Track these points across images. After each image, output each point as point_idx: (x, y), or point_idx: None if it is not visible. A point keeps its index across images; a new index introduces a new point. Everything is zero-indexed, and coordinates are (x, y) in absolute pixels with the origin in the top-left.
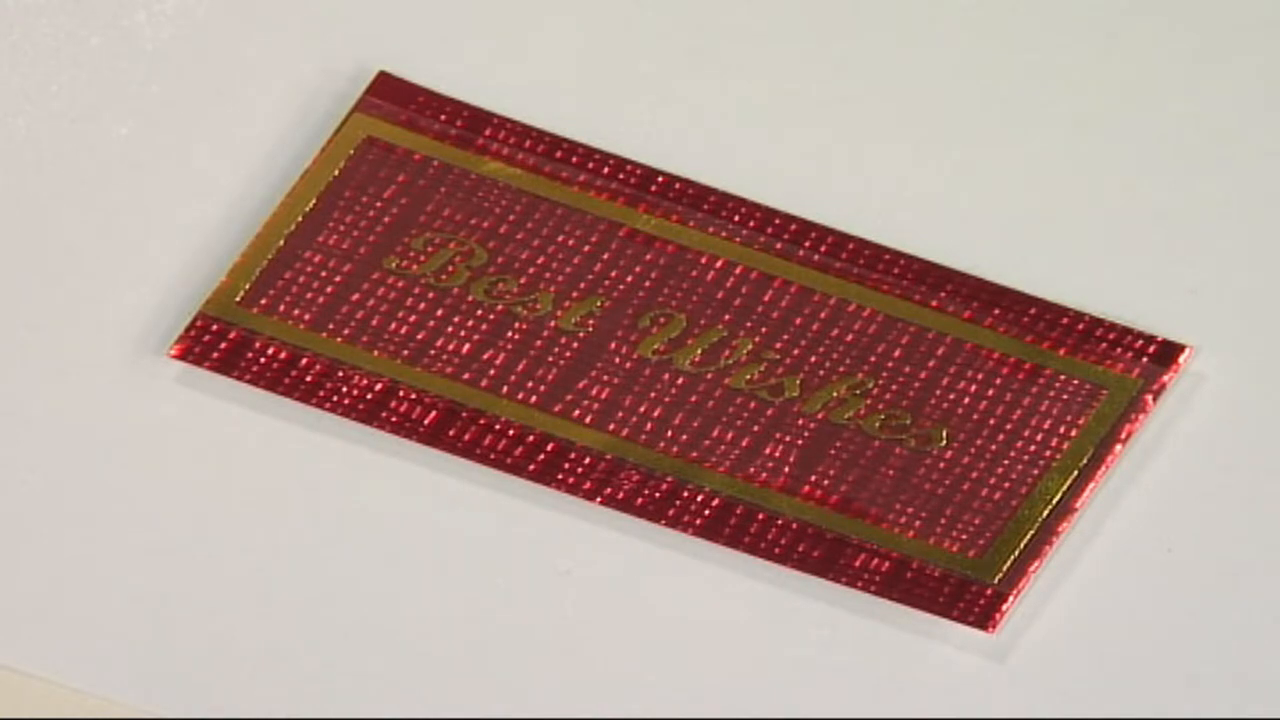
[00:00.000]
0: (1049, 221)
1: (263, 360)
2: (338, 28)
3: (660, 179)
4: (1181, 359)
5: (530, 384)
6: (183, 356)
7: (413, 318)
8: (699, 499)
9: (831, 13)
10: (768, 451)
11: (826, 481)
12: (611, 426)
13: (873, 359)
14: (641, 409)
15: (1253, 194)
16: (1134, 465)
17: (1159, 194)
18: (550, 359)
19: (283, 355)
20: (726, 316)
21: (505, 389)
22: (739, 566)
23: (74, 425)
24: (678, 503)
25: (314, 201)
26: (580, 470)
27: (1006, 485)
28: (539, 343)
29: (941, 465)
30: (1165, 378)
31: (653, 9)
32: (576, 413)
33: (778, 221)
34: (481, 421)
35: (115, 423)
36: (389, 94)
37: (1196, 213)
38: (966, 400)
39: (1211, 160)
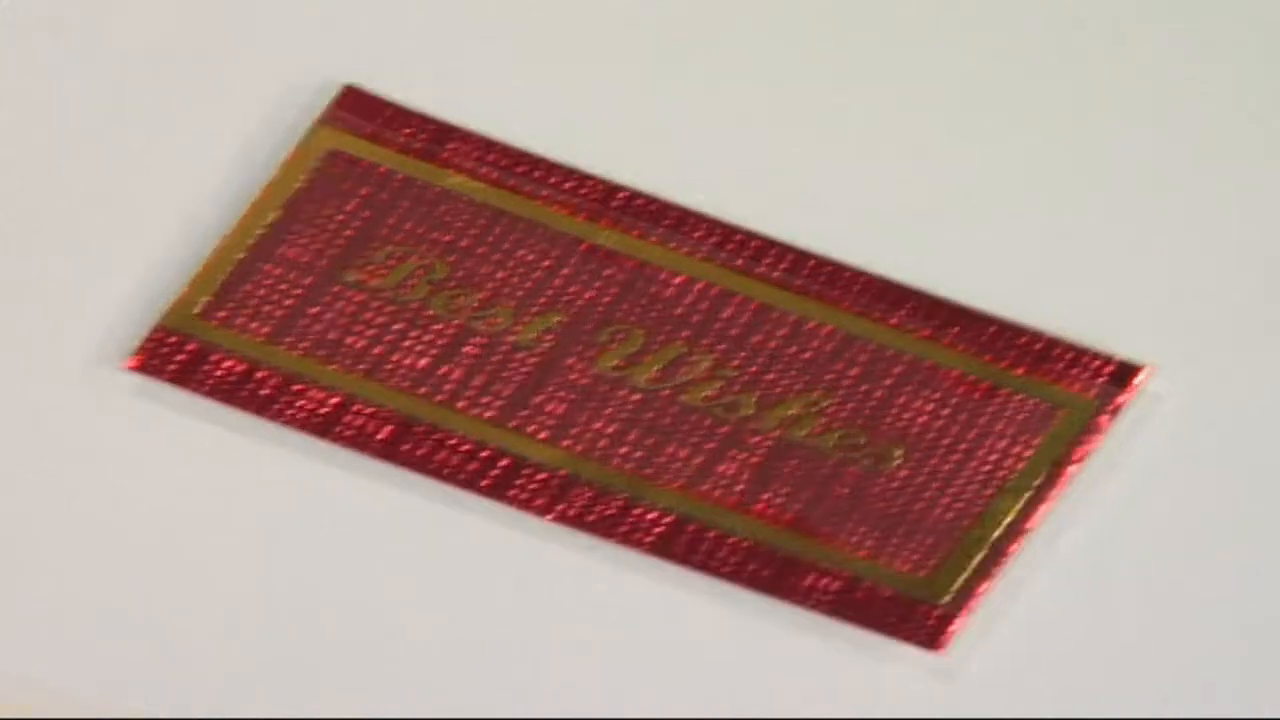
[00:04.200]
0: (1009, 240)
1: (219, 373)
2: (304, 42)
3: (621, 194)
4: (1138, 379)
5: (486, 399)
6: (140, 368)
7: (371, 331)
8: (650, 516)
9: (789, 32)
10: (721, 469)
11: (780, 500)
12: (566, 443)
13: (829, 376)
14: (597, 425)
15: (1212, 216)
16: (1087, 486)
17: (1118, 215)
18: (506, 374)
19: (240, 368)
20: (685, 333)
21: (461, 403)
22: (690, 585)
23: (29, 437)
24: (629, 520)
25: (277, 214)
26: (533, 486)
27: (959, 505)
28: (496, 357)
29: (895, 484)
30: (1121, 398)
31: (616, 27)
32: (531, 428)
33: (738, 238)
34: (435, 436)
35: (73, 435)
36: (355, 108)
37: (1155, 233)
38: (922, 419)
39: (1172, 182)
